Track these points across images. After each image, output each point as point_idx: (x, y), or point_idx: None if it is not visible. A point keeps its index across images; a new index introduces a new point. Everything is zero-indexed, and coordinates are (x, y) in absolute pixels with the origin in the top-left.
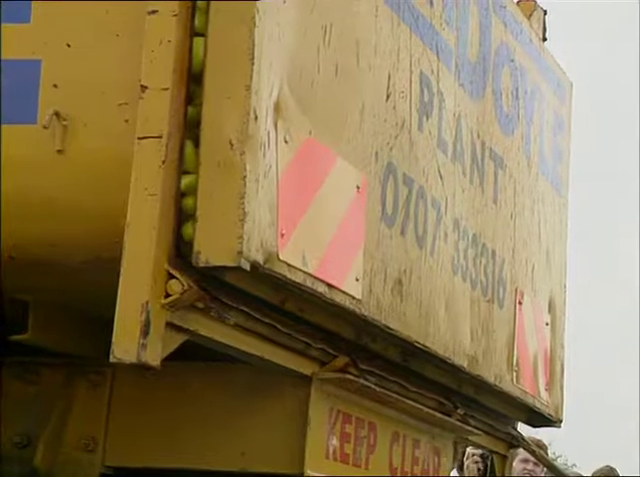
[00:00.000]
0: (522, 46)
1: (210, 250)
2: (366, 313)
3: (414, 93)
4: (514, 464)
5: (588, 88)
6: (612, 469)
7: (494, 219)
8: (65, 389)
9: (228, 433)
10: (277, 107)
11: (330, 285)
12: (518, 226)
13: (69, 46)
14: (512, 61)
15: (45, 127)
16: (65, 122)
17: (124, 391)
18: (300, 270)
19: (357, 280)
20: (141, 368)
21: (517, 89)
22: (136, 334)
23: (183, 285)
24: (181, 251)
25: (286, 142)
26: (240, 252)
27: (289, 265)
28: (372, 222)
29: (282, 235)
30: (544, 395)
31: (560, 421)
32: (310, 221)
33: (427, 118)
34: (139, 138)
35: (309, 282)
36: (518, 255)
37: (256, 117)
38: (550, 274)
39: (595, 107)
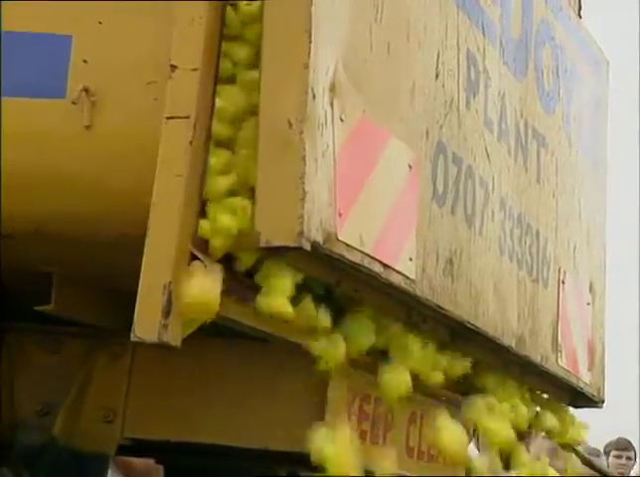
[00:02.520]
0: (561, 23)
1: (270, 231)
2: (419, 293)
3: (462, 72)
4: (609, 459)
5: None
6: (627, 441)
7: (537, 198)
8: (86, 359)
9: (247, 410)
10: (333, 86)
11: (385, 265)
12: (560, 205)
13: (100, 23)
14: (552, 38)
15: (74, 103)
16: (93, 98)
17: (145, 364)
18: (358, 250)
19: (410, 260)
20: (162, 347)
21: (557, 68)
22: (158, 314)
23: (206, 266)
24: None
25: (342, 121)
26: (301, 233)
27: (347, 245)
28: (423, 201)
29: (340, 214)
30: (586, 375)
31: (603, 402)
32: (366, 200)
33: (474, 97)
34: (167, 118)
35: (366, 262)
36: (560, 235)
37: (314, 96)
38: (590, 254)
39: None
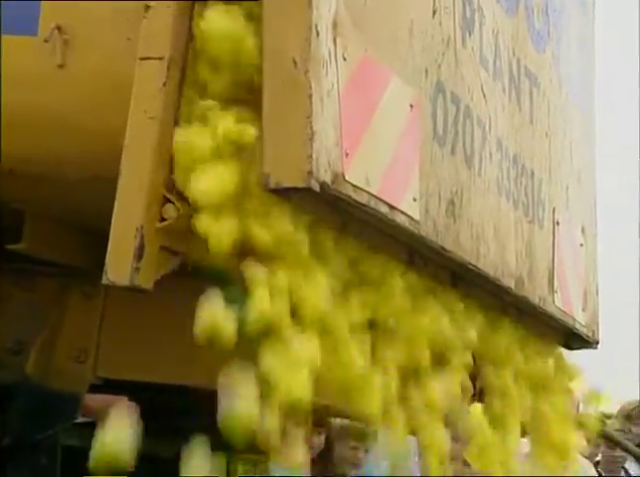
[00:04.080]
0: None
1: (279, 172)
2: (424, 234)
3: (458, 9)
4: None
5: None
6: None
7: (531, 138)
8: (59, 299)
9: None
10: (335, 24)
11: (391, 206)
12: (552, 145)
13: None
14: None
15: (46, 41)
16: (66, 37)
17: (117, 304)
18: (364, 191)
19: (414, 201)
20: (134, 291)
21: (547, 7)
22: (130, 258)
23: (179, 210)
24: None
25: (345, 60)
26: (311, 173)
27: (354, 186)
28: (425, 141)
29: (347, 154)
30: (581, 316)
31: (597, 343)
32: (371, 140)
33: (470, 35)
34: (140, 59)
35: (372, 203)
36: (554, 176)
37: (318, 34)
38: (581, 196)
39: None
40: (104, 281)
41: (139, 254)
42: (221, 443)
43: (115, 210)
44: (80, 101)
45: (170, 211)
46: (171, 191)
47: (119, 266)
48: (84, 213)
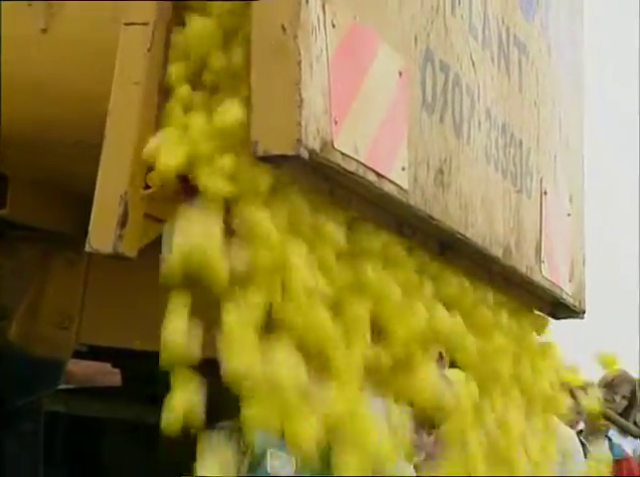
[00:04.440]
0: None
1: (268, 139)
2: (412, 203)
3: None
4: None
5: None
6: (626, 374)
7: (520, 107)
8: (42, 265)
9: None
10: None
11: (379, 174)
12: (541, 115)
13: None
14: None
15: (29, 4)
16: (50, 0)
17: (100, 271)
18: (353, 159)
19: (403, 170)
20: (117, 259)
21: None
22: (113, 225)
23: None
24: None
25: (333, 27)
26: (300, 140)
27: (343, 154)
28: (414, 109)
29: (336, 122)
30: (568, 285)
31: (584, 312)
32: (359, 108)
33: (459, 3)
34: (125, 24)
35: (361, 171)
36: (542, 145)
37: (307, 0)
38: (569, 165)
39: None
40: (87, 249)
41: (123, 222)
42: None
43: (99, 176)
44: (64, 66)
45: (154, 178)
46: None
47: (103, 234)
48: (69, 179)
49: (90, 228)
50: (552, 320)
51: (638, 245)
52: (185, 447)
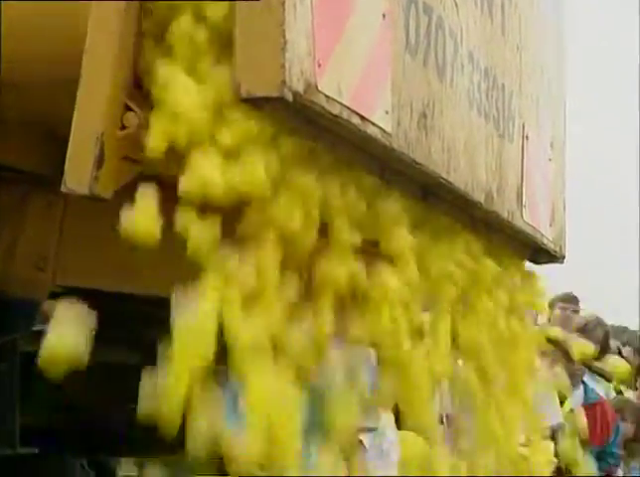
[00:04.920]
0: None
1: (251, 81)
2: (396, 147)
3: None
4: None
5: None
6: (574, 295)
7: (502, 50)
8: (20, 206)
9: (179, 260)
10: None
11: (363, 117)
12: (523, 58)
13: None
14: None
15: None
16: None
17: (78, 213)
18: (337, 101)
19: (387, 113)
20: (93, 200)
21: None
22: (89, 166)
23: (140, 118)
24: (141, 83)
25: None
26: (284, 82)
27: (327, 96)
28: (397, 52)
29: (319, 64)
30: (549, 231)
31: (564, 257)
32: (343, 50)
33: None
34: None
35: (345, 114)
36: (524, 89)
37: None
38: (551, 110)
39: None
40: (63, 189)
41: (99, 163)
42: None
43: (75, 116)
44: (40, 3)
45: (131, 119)
46: (133, 98)
47: (79, 174)
48: (46, 118)
49: (66, 168)
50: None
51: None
52: None
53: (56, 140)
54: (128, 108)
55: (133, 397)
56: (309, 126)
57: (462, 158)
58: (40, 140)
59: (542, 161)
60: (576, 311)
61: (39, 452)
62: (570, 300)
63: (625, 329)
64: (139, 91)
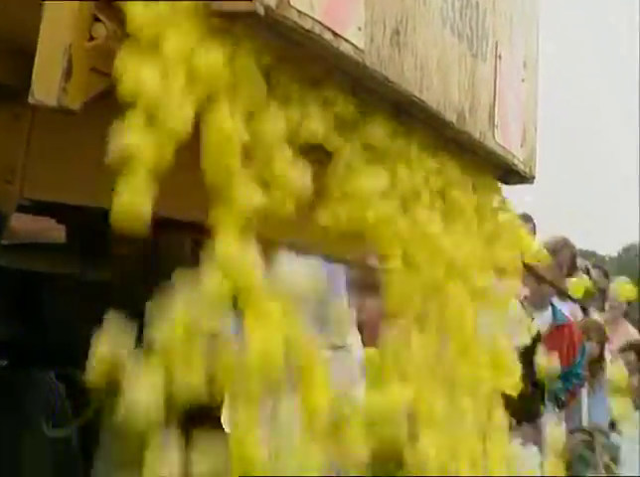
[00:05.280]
0: None
1: None
2: (368, 63)
3: None
4: None
5: None
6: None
7: None
8: None
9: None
10: None
11: (335, 33)
12: None
13: None
14: None
15: None
16: None
17: (45, 125)
18: (309, 16)
19: (359, 29)
20: (61, 112)
21: None
22: (57, 77)
23: (108, 30)
24: None
25: None
26: None
27: (299, 11)
28: None
29: None
30: (520, 151)
31: (533, 178)
32: None
33: None
34: None
35: (317, 29)
36: (498, 6)
37: None
38: (525, 27)
39: None
40: (31, 101)
41: (67, 74)
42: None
43: (42, 27)
44: None
45: (100, 30)
46: (101, 10)
47: (47, 86)
48: (15, 30)
49: (33, 79)
50: None
51: None
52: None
53: (23, 53)
54: (97, 19)
55: (101, 310)
56: (281, 42)
57: (435, 77)
58: (6, 52)
59: (514, 81)
60: (533, 231)
61: (6, 365)
62: (525, 220)
63: (594, 253)
64: (108, 3)
